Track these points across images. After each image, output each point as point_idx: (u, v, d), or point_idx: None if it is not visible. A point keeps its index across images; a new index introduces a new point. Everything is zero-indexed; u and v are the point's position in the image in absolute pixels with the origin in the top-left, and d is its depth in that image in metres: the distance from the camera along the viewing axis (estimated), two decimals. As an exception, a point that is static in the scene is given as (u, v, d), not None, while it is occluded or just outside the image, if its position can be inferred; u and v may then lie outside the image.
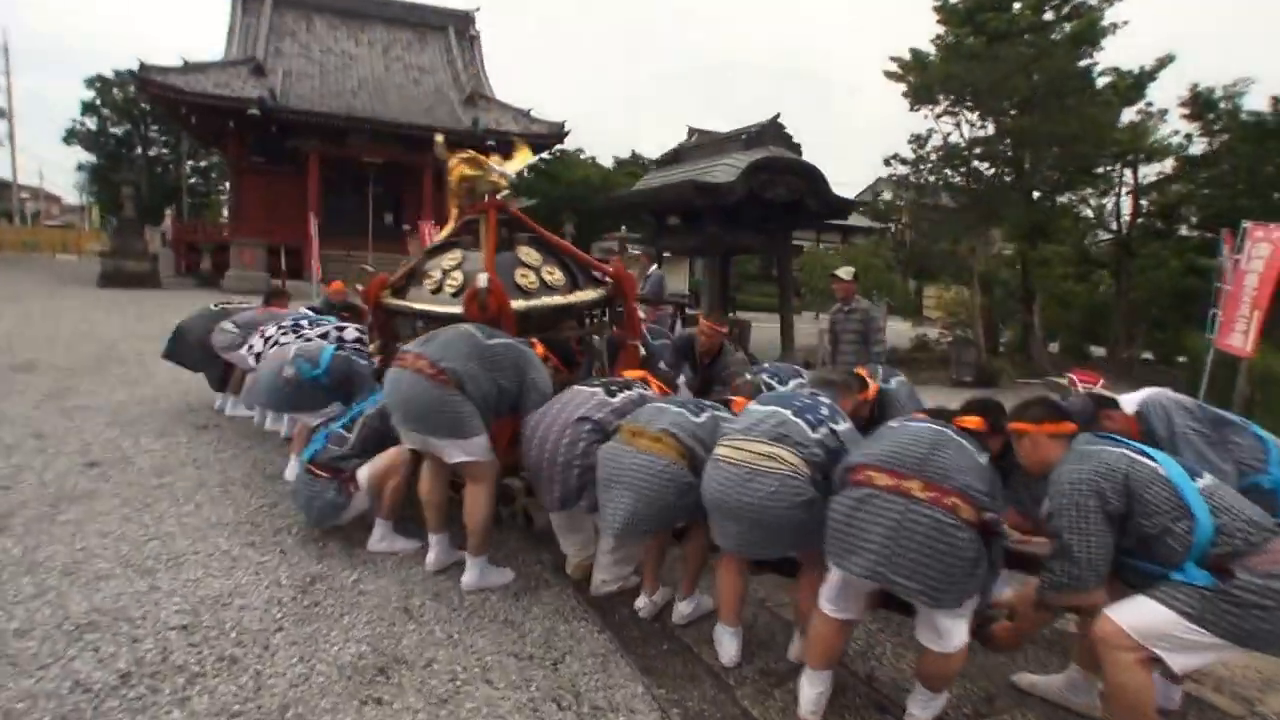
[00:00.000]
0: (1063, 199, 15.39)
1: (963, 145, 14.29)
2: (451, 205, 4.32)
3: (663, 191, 12.47)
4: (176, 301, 15.58)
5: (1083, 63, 13.44)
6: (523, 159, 4.40)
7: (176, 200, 33.66)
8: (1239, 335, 8.12)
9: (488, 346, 3.21)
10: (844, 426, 2.65)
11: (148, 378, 7.46)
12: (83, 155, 39.62)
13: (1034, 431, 2.39)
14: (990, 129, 14.07)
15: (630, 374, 3.56)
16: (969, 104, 13.69)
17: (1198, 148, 14.33)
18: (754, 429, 2.57)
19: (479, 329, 3.31)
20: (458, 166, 4.01)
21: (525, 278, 3.96)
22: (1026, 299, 14.92)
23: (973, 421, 2.50)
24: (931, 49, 14.89)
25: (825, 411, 2.65)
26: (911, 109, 14.59)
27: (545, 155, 25.79)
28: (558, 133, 23.43)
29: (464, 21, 26.47)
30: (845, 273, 6.27)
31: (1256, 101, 14.18)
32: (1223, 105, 13.74)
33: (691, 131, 37.32)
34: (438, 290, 3.96)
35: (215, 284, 19.31)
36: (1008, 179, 14.26)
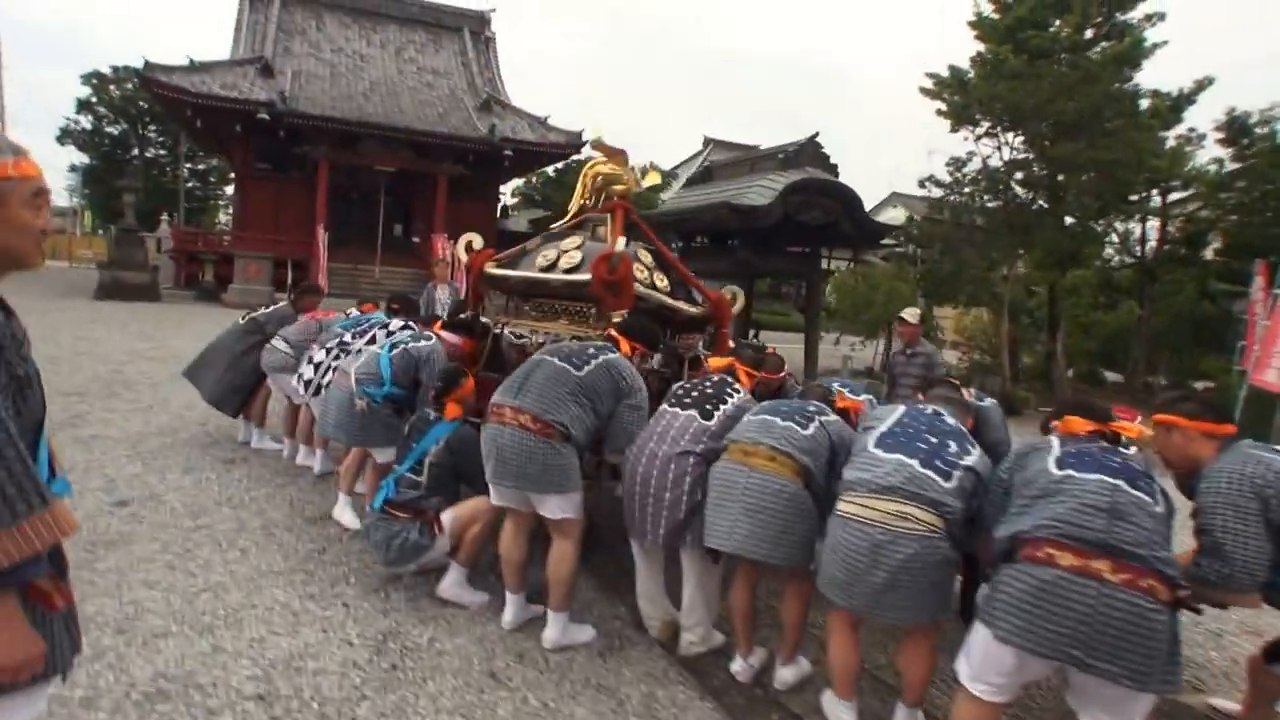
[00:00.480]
0: (1097, 225, 15.46)
1: (1001, 168, 14.31)
2: (576, 200, 4.54)
3: (697, 213, 12.49)
4: (178, 316, 15.72)
5: (1125, 85, 13.48)
6: (652, 179, 4.69)
7: (174, 204, 33.97)
8: (1275, 372, 8.59)
9: (583, 379, 3.19)
10: (975, 455, 2.63)
11: (161, 404, 7.44)
12: (76, 156, 39.76)
13: (1187, 426, 2.48)
14: (1030, 153, 14.13)
15: (715, 363, 3.66)
16: (1010, 126, 13.68)
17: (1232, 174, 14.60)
18: (883, 485, 2.49)
19: (569, 361, 3.27)
20: (598, 164, 4.36)
21: (640, 273, 4.15)
22: (1052, 326, 15.06)
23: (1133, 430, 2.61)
24: (964, 63, 14.99)
25: (954, 449, 2.60)
26: (952, 130, 14.62)
27: (559, 165, 26.06)
28: (575, 142, 23.55)
29: (479, 22, 26.79)
30: (911, 315, 6.26)
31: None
32: (1258, 130, 13.97)
33: (707, 142, 38.10)
34: (550, 268, 4.13)
35: (217, 297, 19.44)
36: (1043, 205, 14.33)
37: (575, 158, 24.87)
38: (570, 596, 3.25)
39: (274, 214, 22.18)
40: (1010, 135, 14.01)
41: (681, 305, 4.37)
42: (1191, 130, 14.77)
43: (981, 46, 14.79)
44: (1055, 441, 2.47)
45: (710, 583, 3.23)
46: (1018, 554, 2.17)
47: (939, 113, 14.62)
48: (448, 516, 3.53)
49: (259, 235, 21.39)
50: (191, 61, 20.55)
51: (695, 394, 3.31)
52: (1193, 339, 14.81)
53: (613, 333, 3.58)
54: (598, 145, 4.52)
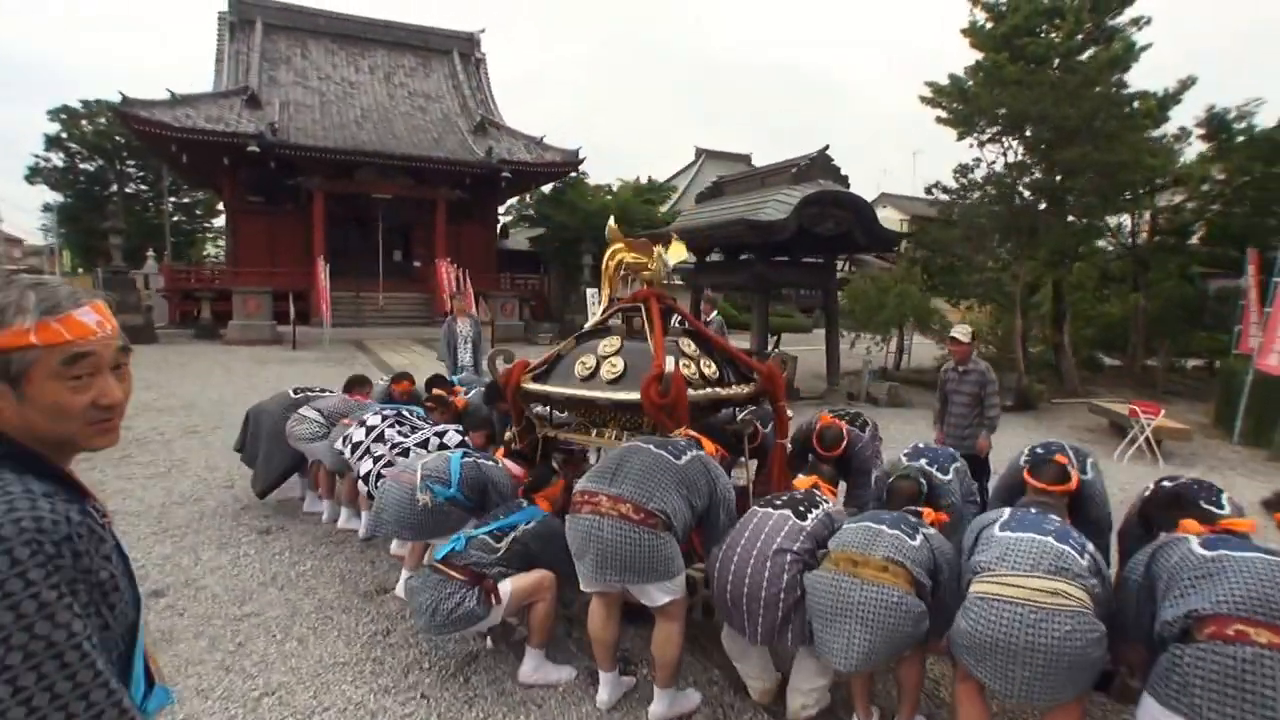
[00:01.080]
0: (1098, 223, 16.13)
1: (1006, 173, 14.67)
2: (605, 288, 4.29)
3: (713, 229, 12.35)
4: (179, 358, 15.40)
5: (1122, 90, 13.95)
6: (677, 253, 4.27)
7: (159, 241, 33.63)
8: (1277, 356, 9.40)
9: (682, 469, 3.13)
10: (1092, 547, 2.68)
11: (180, 466, 7.14)
12: (49, 194, 38.63)
13: None
14: (1033, 157, 14.60)
15: (801, 482, 3.53)
16: (1012, 132, 14.02)
17: (1215, 169, 15.44)
18: (1026, 563, 2.49)
19: (666, 449, 3.18)
20: (619, 252, 4.10)
21: (687, 368, 3.90)
22: (1058, 319, 15.42)
23: None
24: (950, 68, 15.33)
25: (1077, 534, 2.66)
26: (959, 138, 14.82)
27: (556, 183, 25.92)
28: (572, 160, 23.50)
29: (469, 44, 26.72)
30: (963, 333, 6.10)
31: (1269, 118, 15.41)
32: (1236, 125, 14.79)
33: (700, 153, 38.08)
34: (591, 377, 3.87)
35: (216, 334, 19.14)
36: (1046, 206, 14.77)
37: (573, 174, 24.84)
38: (677, 673, 3.14)
39: (269, 247, 21.95)
40: (1014, 141, 14.28)
41: (735, 390, 4.11)
42: (1182, 129, 15.40)
43: (978, 54, 14.97)
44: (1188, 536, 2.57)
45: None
46: (1197, 633, 2.20)
47: (940, 120, 14.82)
48: (507, 586, 3.31)
49: (255, 269, 21.14)
50: (172, 95, 20.24)
51: (785, 497, 3.27)
52: (1184, 321, 15.67)
53: (693, 433, 3.49)
54: (614, 234, 4.30)
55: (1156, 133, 14.85)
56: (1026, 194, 14.77)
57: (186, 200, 39.42)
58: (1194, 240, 16.78)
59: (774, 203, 11.64)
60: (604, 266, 4.32)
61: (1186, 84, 14.28)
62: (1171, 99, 14.40)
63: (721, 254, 14.15)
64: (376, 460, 4.64)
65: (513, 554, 3.39)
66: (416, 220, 23.00)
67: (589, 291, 22.67)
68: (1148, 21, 13.84)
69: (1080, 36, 14.00)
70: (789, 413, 4.37)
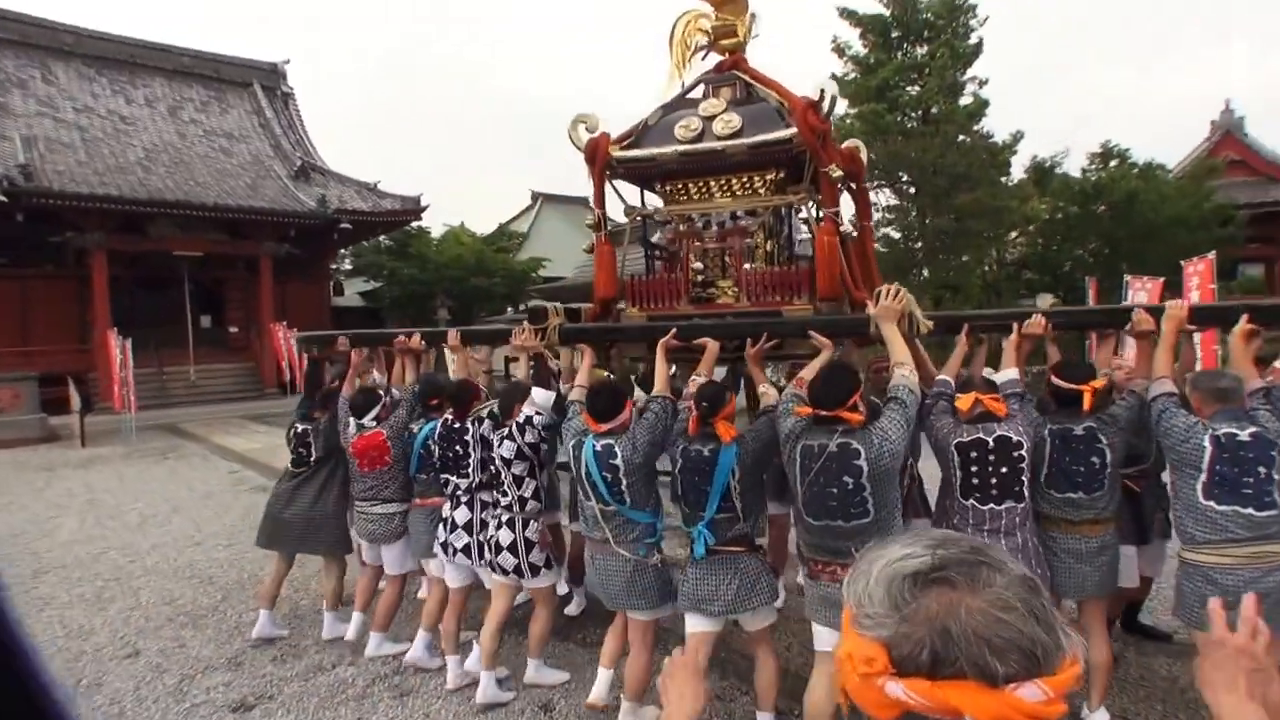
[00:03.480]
0: (967, 259, 18.40)
1: (895, 216, 16.55)
2: (676, 64, 4.30)
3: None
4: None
5: (987, 139, 16.43)
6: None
7: None
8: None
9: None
10: None
11: (82, 631, 5.45)
12: None
13: None
14: (907, 201, 16.70)
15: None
16: (889, 178, 16.03)
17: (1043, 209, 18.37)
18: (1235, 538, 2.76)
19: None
20: (694, 15, 4.23)
21: None
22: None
23: None
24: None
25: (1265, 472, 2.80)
26: None
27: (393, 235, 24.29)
28: (414, 208, 22.18)
29: (272, 76, 24.56)
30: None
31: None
32: (1056, 172, 17.77)
33: (536, 196, 37.79)
34: (700, 138, 3.91)
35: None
36: (917, 245, 16.61)
37: (417, 223, 23.48)
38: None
39: (22, 320, 18.40)
40: (888, 189, 16.36)
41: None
42: (1026, 175, 18.17)
43: (844, 104, 16.83)
44: None
45: None
46: None
47: None
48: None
49: (6, 349, 17.46)
50: None
51: None
52: None
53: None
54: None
55: (1006, 180, 17.27)
56: (899, 235, 16.64)
57: None
58: (1033, 273, 19.35)
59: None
60: (676, 39, 4.20)
61: (1018, 137, 16.60)
62: (1009, 150, 16.72)
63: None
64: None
65: (747, 502, 3.19)
66: (230, 280, 20.41)
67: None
68: (985, 81, 16.34)
69: (938, 91, 16.01)
70: None
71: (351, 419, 4.47)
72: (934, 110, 16.01)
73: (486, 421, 4.03)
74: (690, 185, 4.09)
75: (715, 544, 3.14)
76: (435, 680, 4.11)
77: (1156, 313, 3.11)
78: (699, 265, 4.06)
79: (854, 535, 2.76)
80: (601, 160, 4.02)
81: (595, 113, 4.14)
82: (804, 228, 4.11)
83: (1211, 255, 8.18)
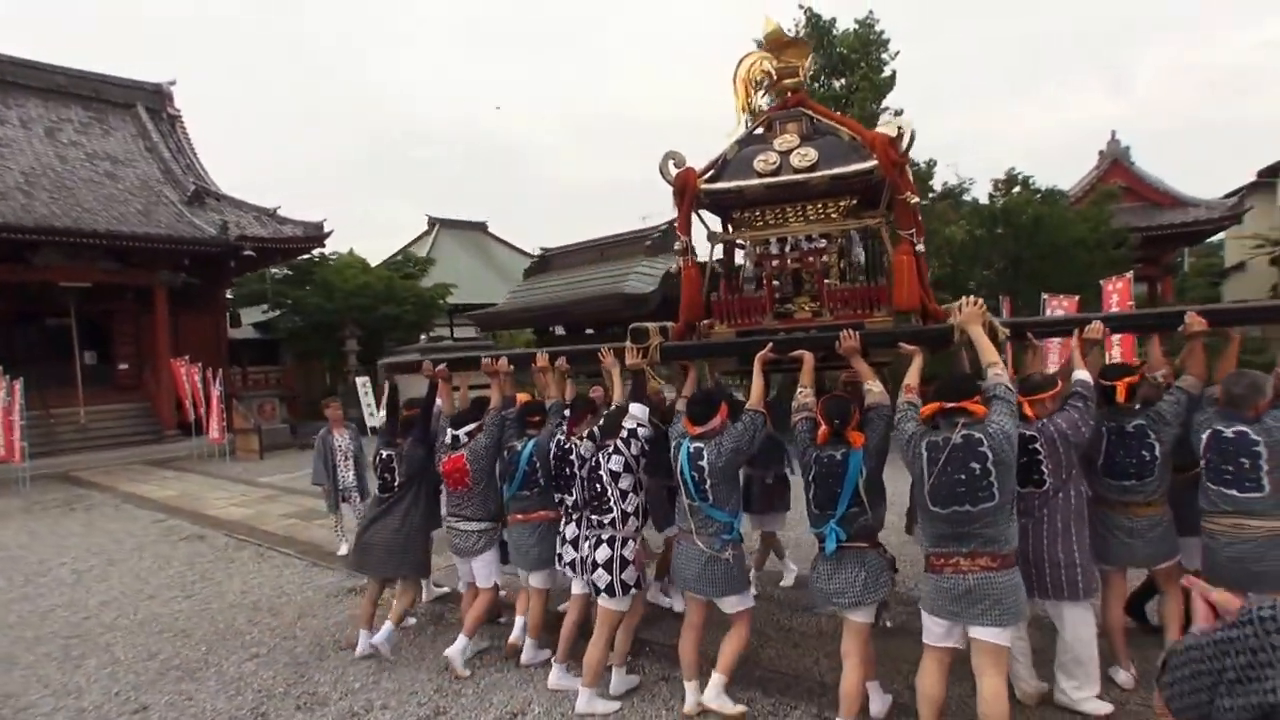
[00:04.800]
0: None
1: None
2: (741, 99, 4.62)
3: (582, 304, 12.26)
4: None
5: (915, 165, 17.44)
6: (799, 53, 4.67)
7: None
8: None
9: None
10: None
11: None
12: None
13: None
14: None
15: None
16: None
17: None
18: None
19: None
20: (756, 58, 4.59)
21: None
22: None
23: None
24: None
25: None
26: None
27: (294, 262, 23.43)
28: (316, 234, 21.51)
29: (157, 98, 23.35)
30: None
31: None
32: (965, 198, 18.83)
33: (433, 222, 37.40)
34: (778, 171, 4.21)
35: None
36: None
37: (320, 251, 22.75)
38: None
39: None
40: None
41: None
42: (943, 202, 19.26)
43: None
44: None
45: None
46: None
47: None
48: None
49: None
50: None
51: None
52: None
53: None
54: (774, 36, 4.53)
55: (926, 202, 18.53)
56: None
57: None
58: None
59: (637, 275, 11.96)
60: (739, 79, 4.51)
61: (931, 164, 17.63)
62: (927, 172, 17.66)
63: (565, 329, 14.00)
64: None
65: (874, 497, 3.55)
66: (118, 312, 19.20)
67: (358, 381, 20.69)
68: (899, 111, 16.79)
69: (859, 120, 17.08)
70: None
71: (449, 429, 4.74)
72: None
73: (586, 441, 4.25)
74: (767, 212, 4.44)
75: (845, 540, 3.50)
76: (489, 715, 4.17)
77: (1210, 316, 3.62)
78: (777, 284, 4.39)
79: (981, 519, 3.11)
80: (690, 192, 4.36)
81: (682, 150, 4.48)
82: (859, 247, 4.41)
83: (1130, 274, 9.14)
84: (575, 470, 4.24)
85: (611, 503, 4.04)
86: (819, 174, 4.08)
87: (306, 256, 23.18)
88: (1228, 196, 23.05)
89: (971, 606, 3.14)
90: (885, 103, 17.51)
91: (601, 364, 4.47)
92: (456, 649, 4.64)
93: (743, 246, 4.65)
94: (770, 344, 3.94)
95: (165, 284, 18.55)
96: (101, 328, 19.62)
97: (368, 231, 78.55)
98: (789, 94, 4.50)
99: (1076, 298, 10.22)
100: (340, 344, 21.33)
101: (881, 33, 17.12)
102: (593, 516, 4.13)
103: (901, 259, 4.01)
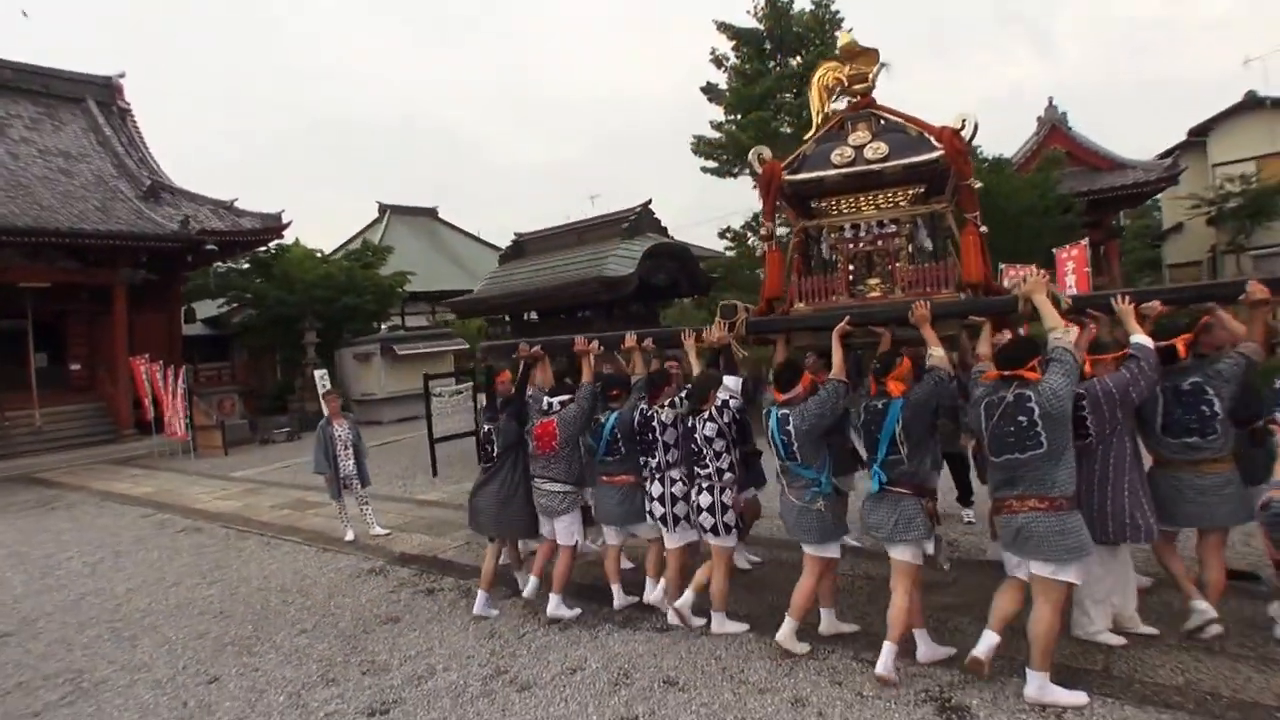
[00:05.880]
0: None
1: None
2: (818, 108, 5.28)
3: (562, 289, 12.56)
4: None
5: None
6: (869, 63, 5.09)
7: None
8: None
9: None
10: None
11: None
12: None
13: None
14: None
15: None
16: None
17: None
18: None
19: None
20: (831, 69, 5.20)
21: None
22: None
23: None
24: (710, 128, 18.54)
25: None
26: (720, 177, 18.42)
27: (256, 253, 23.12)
28: (275, 225, 21.37)
29: (107, 92, 22.87)
30: None
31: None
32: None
33: (383, 208, 37.19)
34: (853, 163, 4.78)
35: None
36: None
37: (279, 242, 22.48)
38: (1048, 656, 3.70)
39: None
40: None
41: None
42: None
43: (719, 112, 18.36)
44: None
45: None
46: None
47: (705, 169, 18.34)
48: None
49: None
50: None
51: None
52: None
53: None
54: (848, 47, 5.06)
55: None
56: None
57: None
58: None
59: (615, 258, 12.33)
60: (815, 86, 5.15)
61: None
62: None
63: (538, 316, 14.19)
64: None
65: (914, 444, 4.00)
66: (72, 312, 18.85)
67: (317, 374, 20.54)
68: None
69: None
70: None
71: (545, 397, 5.33)
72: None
73: (667, 409, 4.89)
74: (842, 201, 4.97)
75: (885, 482, 4.04)
76: (549, 672, 4.57)
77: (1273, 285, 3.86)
78: (851, 265, 4.91)
79: (1029, 465, 3.63)
80: (776, 183, 4.92)
81: (766, 147, 5.12)
82: (925, 230, 4.90)
83: (1085, 241, 9.70)
84: (657, 436, 4.88)
85: (707, 460, 4.67)
86: (891, 164, 4.60)
87: (264, 249, 22.89)
88: (1162, 156, 23.46)
89: (1024, 543, 3.66)
90: None
91: (683, 343, 5.11)
92: (554, 604, 5.26)
93: (819, 232, 5.15)
94: (846, 318, 4.47)
95: (125, 281, 18.31)
96: (55, 329, 19.25)
97: (309, 221, 76.76)
98: (859, 97, 5.03)
99: (1033, 265, 10.47)
100: (299, 336, 21.23)
101: (836, 12, 17.73)
102: (696, 469, 4.76)
103: (968, 238, 4.56)
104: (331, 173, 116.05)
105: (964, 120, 4.54)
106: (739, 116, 17.62)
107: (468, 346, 23.13)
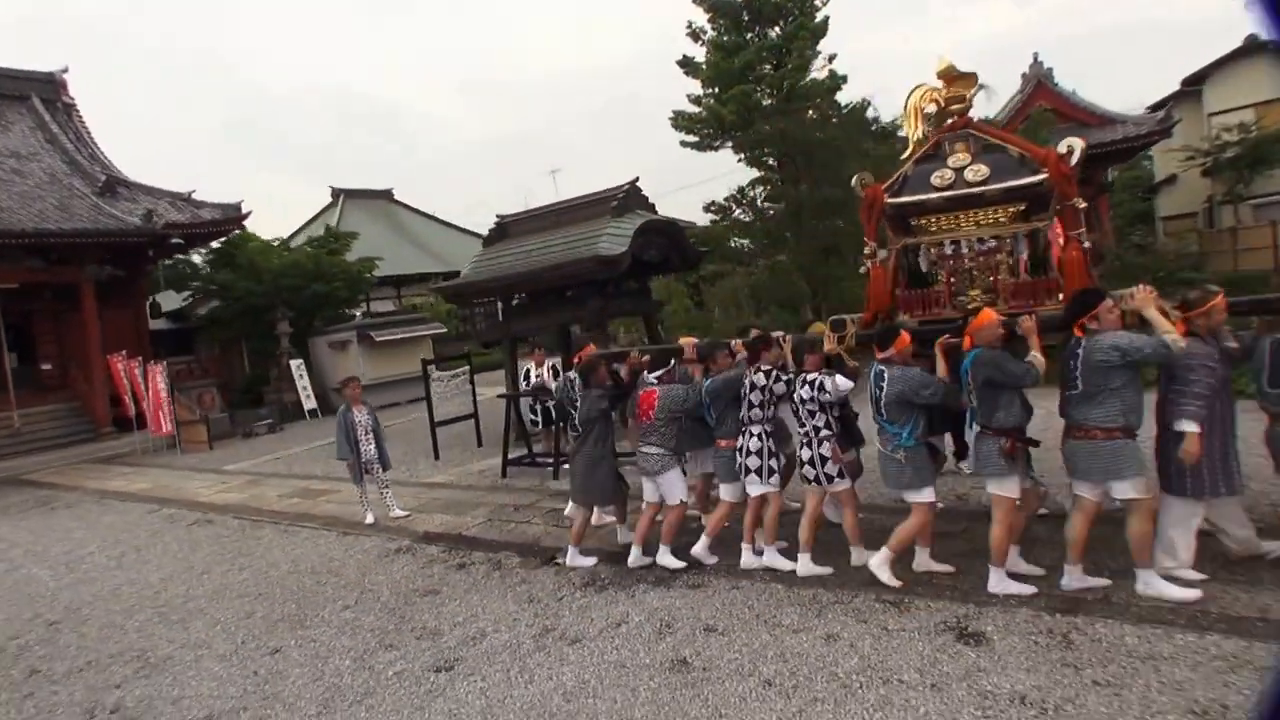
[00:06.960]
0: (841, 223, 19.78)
1: (764, 189, 17.69)
2: (914, 131, 5.52)
3: (556, 269, 12.73)
4: None
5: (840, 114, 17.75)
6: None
7: None
8: None
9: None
10: None
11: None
12: None
13: None
14: (780, 174, 17.70)
15: None
16: (765, 153, 17.22)
17: None
18: None
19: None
20: (927, 92, 5.45)
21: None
22: (818, 312, 18.41)
23: None
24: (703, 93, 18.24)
25: None
26: (700, 151, 18.18)
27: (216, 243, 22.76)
28: (235, 215, 21.14)
29: (51, 88, 22.27)
30: None
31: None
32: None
33: (336, 192, 36.68)
34: (953, 185, 5.08)
35: None
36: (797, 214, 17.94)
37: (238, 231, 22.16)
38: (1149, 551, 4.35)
39: None
40: (770, 160, 17.43)
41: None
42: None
43: (697, 85, 18.14)
44: None
45: None
46: None
47: (684, 144, 18.16)
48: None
49: None
50: None
51: None
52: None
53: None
54: (947, 71, 5.28)
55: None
56: (776, 206, 17.62)
57: None
58: None
59: (608, 236, 12.56)
60: (910, 110, 5.42)
61: (866, 102, 17.77)
62: (861, 112, 17.82)
63: (528, 298, 14.30)
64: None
65: (983, 399, 4.64)
66: (38, 311, 18.54)
67: (293, 364, 20.46)
68: (833, 56, 17.73)
69: (795, 69, 17.21)
70: None
71: (645, 374, 6.18)
72: (798, 86, 16.97)
73: (759, 373, 5.43)
74: (943, 219, 5.23)
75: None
76: (595, 627, 4.95)
77: None
78: (952, 280, 5.29)
79: (1071, 403, 4.33)
80: (879, 206, 5.26)
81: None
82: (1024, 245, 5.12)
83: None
84: (746, 394, 5.49)
85: (803, 419, 5.24)
86: (993, 187, 4.88)
87: (224, 239, 22.55)
88: (1154, 109, 22.91)
89: (1088, 467, 4.30)
90: (820, 46, 17.63)
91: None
92: (665, 557, 5.78)
93: (919, 249, 5.44)
94: (948, 333, 4.87)
95: (92, 278, 18.05)
96: (22, 329, 18.92)
97: (260, 209, 74.72)
98: (957, 118, 5.27)
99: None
100: (271, 326, 21.03)
101: None
102: (800, 427, 5.34)
103: (1072, 254, 4.84)
104: (267, 159, 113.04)
105: (1070, 146, 4.78)
106: (718, 90, 17.58)
107: (445, 330, 23.12)
